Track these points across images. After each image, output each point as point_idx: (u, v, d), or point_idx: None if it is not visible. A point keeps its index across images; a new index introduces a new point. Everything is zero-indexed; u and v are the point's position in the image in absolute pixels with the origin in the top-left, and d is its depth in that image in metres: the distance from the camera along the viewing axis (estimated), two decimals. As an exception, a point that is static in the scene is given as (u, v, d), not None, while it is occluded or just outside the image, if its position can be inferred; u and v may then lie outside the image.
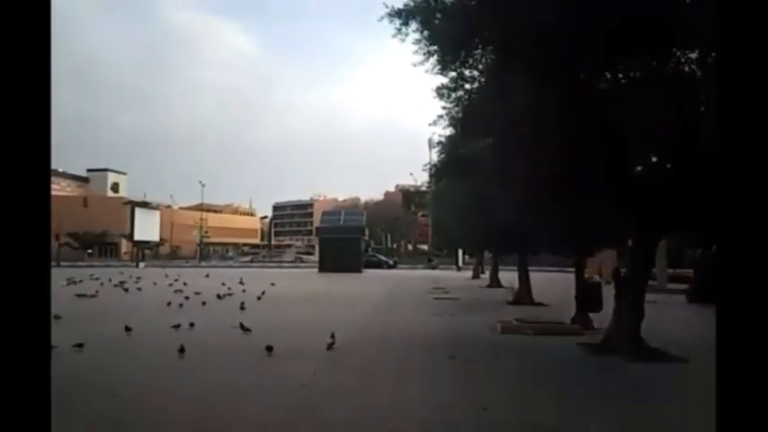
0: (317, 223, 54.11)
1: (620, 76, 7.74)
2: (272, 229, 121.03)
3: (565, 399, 5.99)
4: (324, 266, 38.08)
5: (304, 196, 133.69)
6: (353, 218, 43.93)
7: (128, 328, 10.10)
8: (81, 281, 24.94)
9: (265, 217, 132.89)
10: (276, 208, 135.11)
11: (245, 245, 72.17)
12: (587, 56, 6.80)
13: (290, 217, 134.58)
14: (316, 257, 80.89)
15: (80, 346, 8.40)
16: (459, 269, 39.78)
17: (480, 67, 8.40)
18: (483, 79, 8.72)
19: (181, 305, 14.89)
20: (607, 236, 11.59)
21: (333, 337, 8.85)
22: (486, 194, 11.63)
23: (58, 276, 28.82)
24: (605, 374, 7.40)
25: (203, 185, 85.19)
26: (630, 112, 6.99)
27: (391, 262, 50.17)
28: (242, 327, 10.30)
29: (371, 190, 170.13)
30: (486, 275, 28.13)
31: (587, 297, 11.73)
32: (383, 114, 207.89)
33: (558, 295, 15.93)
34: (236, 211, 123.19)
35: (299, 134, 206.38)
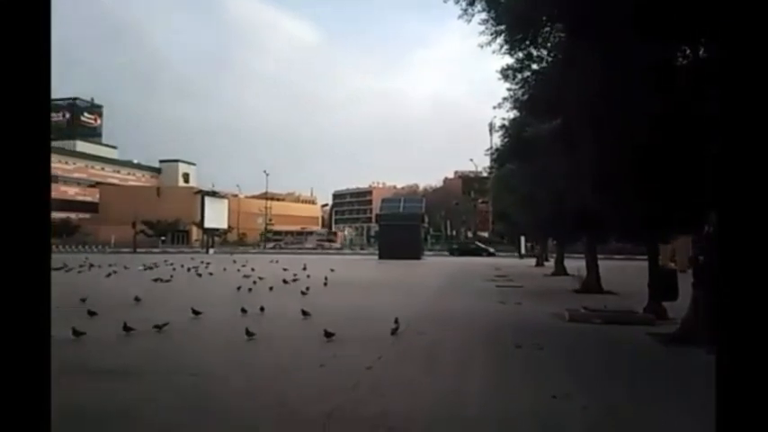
0: (375, 210, 54.51)
1: (703, 51, 7.21)
2: (333, 217, 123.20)
3: (637, 389, 5.73)
4: (383, 253, 38.38)
5: (363, 184, 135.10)
6: (413, 205, 43.90)
7: (196, 312, 10.55)
8: (157, 266, 26.47)
9: (326, 205, 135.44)
10: (336, 196, 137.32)
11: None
12: (668, 29, 6.37)
13: (349, 204, 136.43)
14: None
15: (159, 327, 8.93)
16: (521, 257, 38.93)
17: (549, 45, 8.08)
18: (551, 58, 8.40)
19: (250, 290, 15.47)
20: (685, 221, 10.93)
21: (396, 322, 8.90)
22: (552, 179, 11.26)
23: (135, 262, 30.72)
24: (681, 366, 7.02)
25: (267, 175, 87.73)
26: (713, 91, 6.51)
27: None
28: (303, 312, 10.50)
29: (430, 177, 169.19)
30: (551, 263, 27.37)
31: (662, 285, 11.12)
32: (442, 100, 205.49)
33: (629, 283, 15.24)
34: (297, 200, 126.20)
35: (359, 122, 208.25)
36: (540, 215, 16.41)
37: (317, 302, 12.41)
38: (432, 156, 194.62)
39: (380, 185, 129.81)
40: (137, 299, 12.83)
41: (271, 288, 15.89)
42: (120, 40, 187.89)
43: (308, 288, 15.44)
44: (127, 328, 8.59)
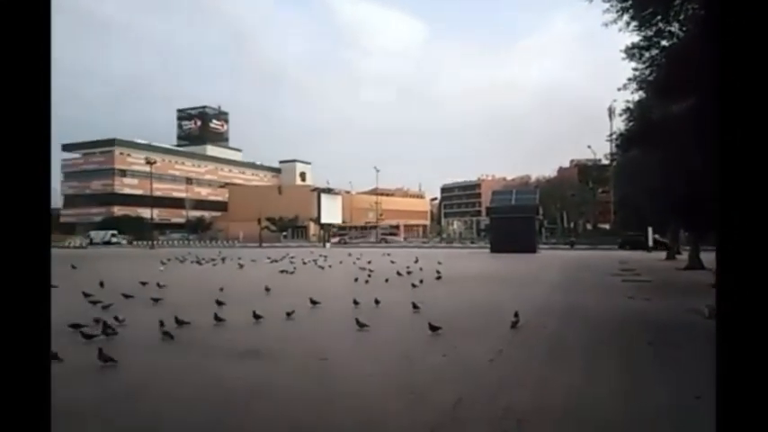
0: (485, 203, 53.32)
1: None
2: (442, 211, 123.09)
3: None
4: (495, 246, 37.61)
5: (471, 177, 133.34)
6: (526, 197, 42.42)
7: (313, 302, 11.17)
8: (282, 258, 28.42)
9: (435, 199, 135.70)
10: (444, 189, 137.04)
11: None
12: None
13: (457, 198, 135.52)
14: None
15: (289, 314, 9.67)
16: (649, 250, 35.95)
17: (682, 18, 7.42)
18: (685, 33, 7.70)
19: (366, 281, 16.06)
20: None
21: (516, 315, 8.75)
22: (687, 163, 10.32)
23: (262, 255, 33.19)
24: None
25: (378, 171, 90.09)
26: None
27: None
28: (414, 306, 10.50)
29: (542, 167, 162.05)
30: (684, 256, 25.03)
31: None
32: (552, 88, 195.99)
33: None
34: (405, 195, 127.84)
35: (467, 115, 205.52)
36: (671, 204, 15.09)
37: (430, 295, 12.57)
38: (542, 146, 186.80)
39: (489, 178, 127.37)
40: (266, 288, 13.92)
41: (387, 280, 16.33)
42: (242, 48, 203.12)
43: (421, 281, 15.67)
44: (256, 316, 9.36)
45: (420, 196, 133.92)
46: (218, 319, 9.14)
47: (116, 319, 9.02)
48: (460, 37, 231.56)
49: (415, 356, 6.72)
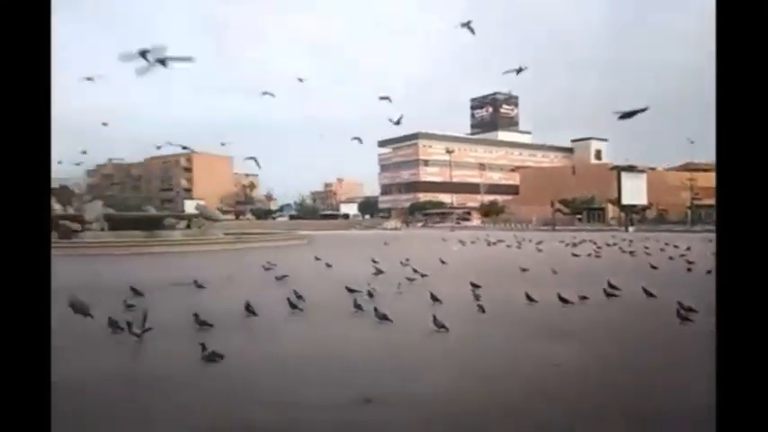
0: None
1: None
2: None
3: None
4: None
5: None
6: None
7: (610, 289, 10.02)
8: (582, 242, 27.19)
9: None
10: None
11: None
12: None
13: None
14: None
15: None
16: None
17: None
18: None
19: (689, 270, 13.92)
20: None
21: None
22: None
23: (553, 238, 32.29)
24: None
25: (692, 142, 77.15)
26: None
27: None
28: None
29: None
30: None
31: None
32: None
33: None
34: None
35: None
36: None
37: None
38: None
39: None
40: (554, 271, 13.45)
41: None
42: (531, 30, 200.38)
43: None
44: (529, 298, 9.09)
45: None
46: (529, 299, 9.16)
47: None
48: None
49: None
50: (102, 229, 26.00)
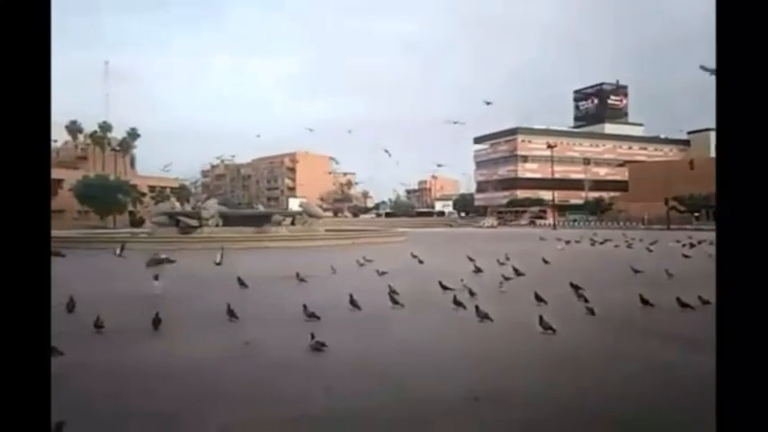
0: None
1: None
2: None
3: None
4: None
5: None
6: None
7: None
8: (699, 243, 24.97)
9: None
10: None
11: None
12: None
13: None
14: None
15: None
16: None
17: None
18: None
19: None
20: None
21: None
22: None
23: (668, 238, 29.86)
24: None
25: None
26: None
27: None
28: None
29: None
30: None
31: None
32: None
33: None
34: None
35: None
36: None
37: None
38: None
39: None
40: (668, 272, 12.49)
41: None
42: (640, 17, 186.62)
43: None
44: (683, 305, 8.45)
45: None
46: (644, 302, 8.66)
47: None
48: None
49: None
50: (217, 225, 28.17)
